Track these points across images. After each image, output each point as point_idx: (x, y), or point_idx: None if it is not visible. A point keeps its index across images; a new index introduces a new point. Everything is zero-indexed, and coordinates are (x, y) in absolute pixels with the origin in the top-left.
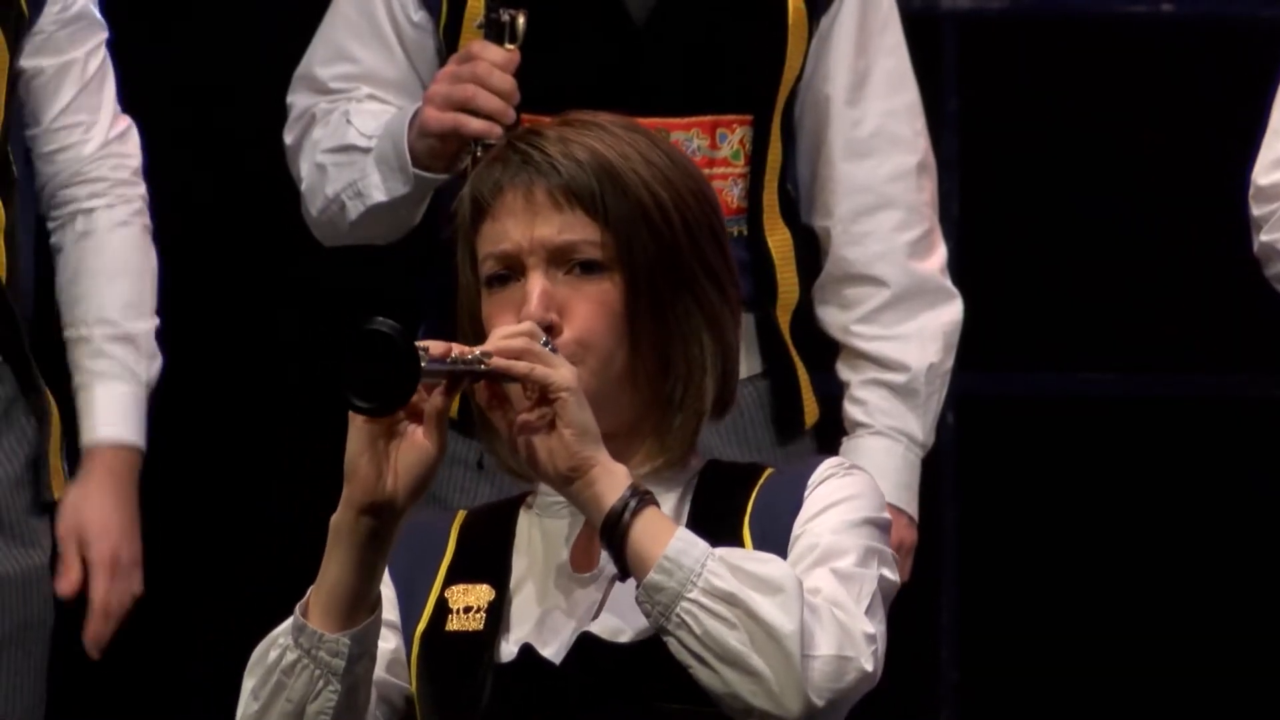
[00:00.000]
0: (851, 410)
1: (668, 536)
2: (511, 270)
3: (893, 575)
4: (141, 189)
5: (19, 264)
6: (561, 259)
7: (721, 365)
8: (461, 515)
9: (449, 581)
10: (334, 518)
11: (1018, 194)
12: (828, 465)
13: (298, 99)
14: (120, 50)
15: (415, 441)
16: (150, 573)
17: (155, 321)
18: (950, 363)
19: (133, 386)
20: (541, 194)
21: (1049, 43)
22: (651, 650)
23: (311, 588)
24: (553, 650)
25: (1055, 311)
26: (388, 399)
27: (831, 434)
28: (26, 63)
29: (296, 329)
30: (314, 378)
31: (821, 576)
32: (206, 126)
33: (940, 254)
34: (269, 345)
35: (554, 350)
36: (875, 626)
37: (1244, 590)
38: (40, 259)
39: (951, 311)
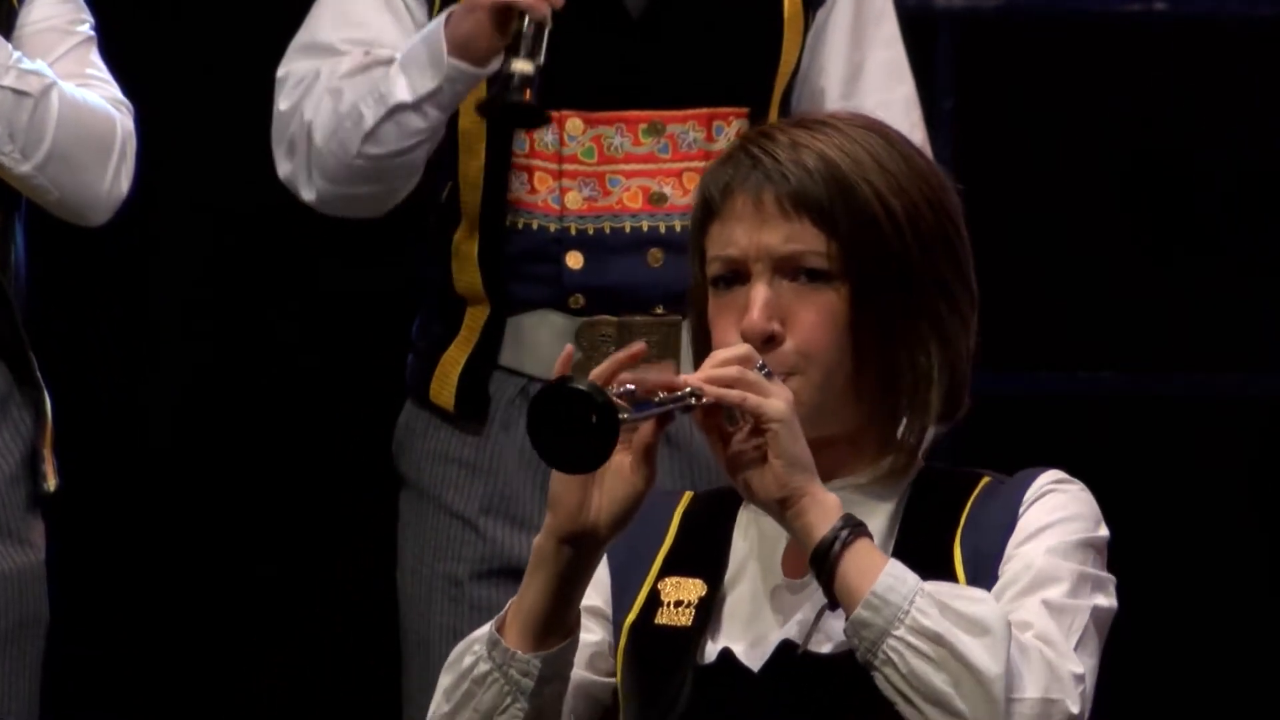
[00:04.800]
0: None
1: (877, 571)
2: (737, 274)
3: (1108, 602)
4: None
5: (14, 258)
6: (787, 267)
7: (950, 377)
8: (687, 499)
9: (664, 573)
10: (536, 541)
11: (1012, 193)
12: (1045, 480)
13: (296, 66)
14: (118, 48)
15: (622, 473)
16: (149, 572)
17: (32, 87)
18: None
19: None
20: (770, 201)
21: (1043, 41)
22: (854, 662)
23: (511, 601)
24: (754, 656)
25: (1051, 310)
26: (585, 460)
27: None
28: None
29: (296, 329)
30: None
31: (1033, 608)
32: (205, 125)
33: None
34: (267, 345)
35: (769, 375)
36: (1085, 664)
37: (1242, 589)
38: (36, 255)
39: None
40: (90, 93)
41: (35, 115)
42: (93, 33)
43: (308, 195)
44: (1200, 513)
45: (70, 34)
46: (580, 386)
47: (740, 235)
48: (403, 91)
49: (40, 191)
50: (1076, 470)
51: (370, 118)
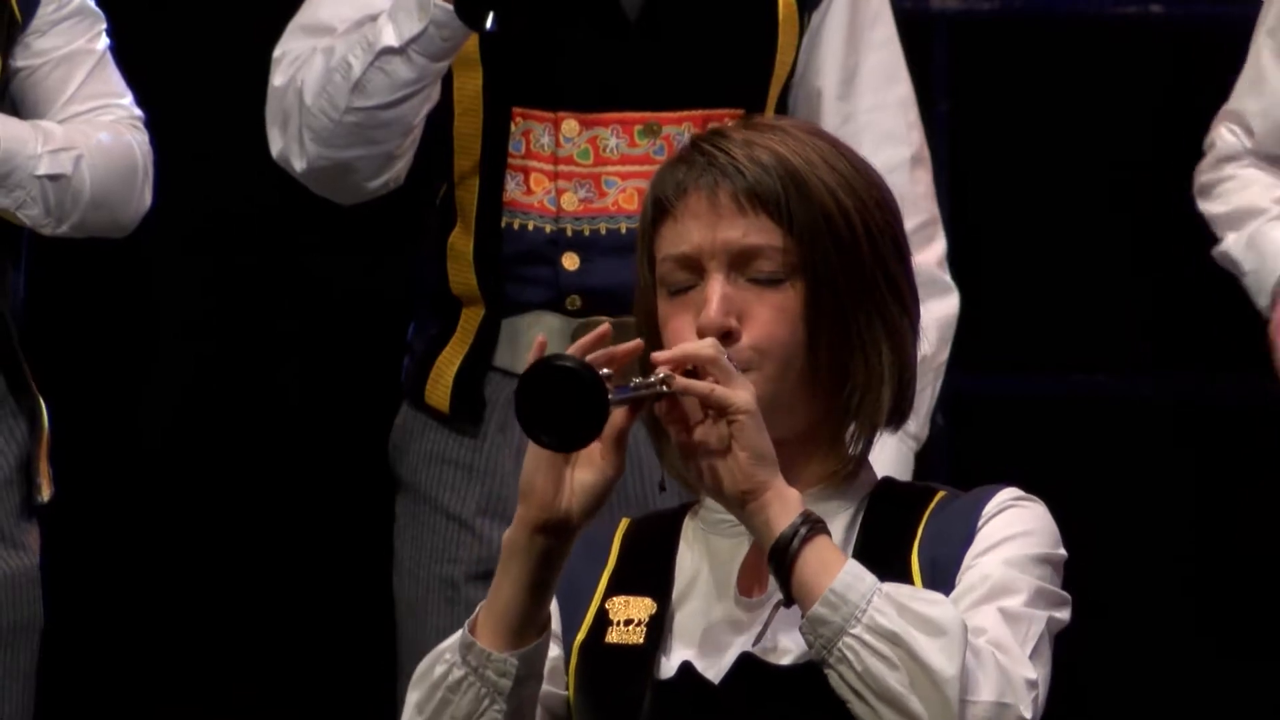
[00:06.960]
0: None
1: (836, 568)
2: (691, 273)
3: (1062, 616)
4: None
5: (10, 265)
6: (743, 263)
7: (899, 376)
8: (625, 524)
9: (610, 592)
10: (507, 535)
11: (1008, 196)
12: (1003, 496)
13: (293, 45)
14: (118, 51)
15: (593, 461)
16: (145, 574)
17: (64, 166)
18: (945, 356)
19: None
20: (726, 196)
21: (1039, 44)
22: (813, 674)
23: (482, 604)
24: (713, 670)
25: (1045, 313)
26: (575, 436)
27: None
28: (21, 61)
29: (293, 331)
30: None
31: (988, 615)
32: (205, 127)
33: (938, 247)
34: (265, 347)
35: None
36: (1038, 671)
37: (1236, 590)
38: (32, 261)
39: (948, 305)
40: (111, 126)
41: (70, 189)
42: (107, 39)
43: (299, 165)
44: (1196, 514)
45: (89, 53)
46: (570, 364)
47: (695, 232)
48: (389, 37)
49: (70, 236)
50: (1067, 471)
51: (358, 67)
